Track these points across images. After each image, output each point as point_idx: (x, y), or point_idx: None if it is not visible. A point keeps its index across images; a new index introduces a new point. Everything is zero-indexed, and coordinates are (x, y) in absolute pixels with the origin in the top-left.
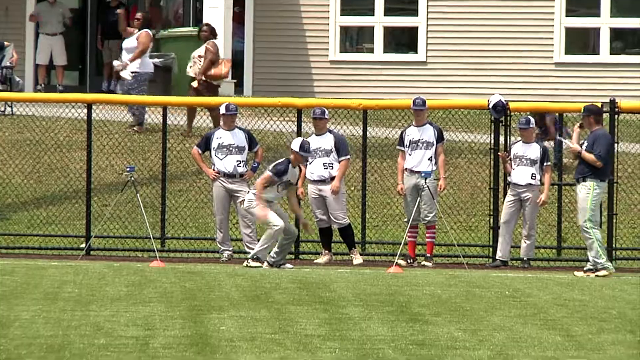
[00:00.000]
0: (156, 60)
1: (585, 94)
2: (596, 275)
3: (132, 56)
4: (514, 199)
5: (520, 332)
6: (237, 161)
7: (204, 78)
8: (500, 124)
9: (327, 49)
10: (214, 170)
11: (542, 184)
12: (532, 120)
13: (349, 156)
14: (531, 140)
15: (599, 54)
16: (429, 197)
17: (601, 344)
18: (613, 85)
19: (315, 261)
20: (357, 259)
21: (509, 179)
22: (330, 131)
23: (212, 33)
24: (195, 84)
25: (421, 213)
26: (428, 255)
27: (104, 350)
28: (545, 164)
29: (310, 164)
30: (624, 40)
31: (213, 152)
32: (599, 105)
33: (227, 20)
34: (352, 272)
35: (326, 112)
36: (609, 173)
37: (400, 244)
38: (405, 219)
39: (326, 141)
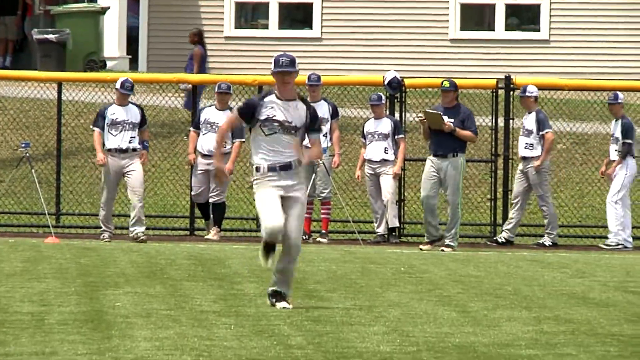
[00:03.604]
0: (51, 36)
1: (481, 70)
2: (442, 250)
3: None
4: (370, 174)
5: (415, 308)
6: (131, 137)
7: None
8: (396, 100)
9: (222, 25)
10: (104, 149)
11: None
12: (383, 96)
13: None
14: (382, 115)
15: (494, 30)
16: (324, 173)
17: (497, 320)
18: (508, 62)
19: (206, 237)
20: (214, 236)
21: (364, 155)
22: (230, 108)
23: None
24: None
25: (316, 189)
26: (323, 231)
27: None
28: (397, 136)
29: (203, 134)
30: (519, 17)
31: (107, 128)
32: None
33: None
34: (247, 248)
35: (231, 87)
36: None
37: None
38: None
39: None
